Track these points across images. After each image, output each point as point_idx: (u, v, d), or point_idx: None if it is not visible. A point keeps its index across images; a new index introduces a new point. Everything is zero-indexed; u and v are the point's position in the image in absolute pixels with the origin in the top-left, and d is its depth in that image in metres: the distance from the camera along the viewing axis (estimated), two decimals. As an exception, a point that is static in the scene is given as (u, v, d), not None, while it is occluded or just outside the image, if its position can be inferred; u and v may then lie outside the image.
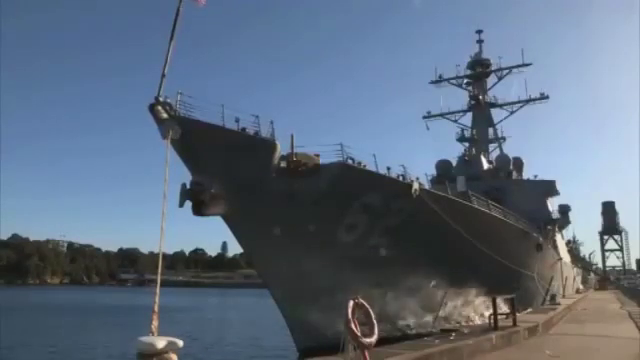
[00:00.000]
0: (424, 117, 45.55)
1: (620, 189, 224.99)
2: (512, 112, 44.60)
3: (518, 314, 15.19)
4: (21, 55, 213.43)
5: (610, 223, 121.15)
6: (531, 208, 30.91)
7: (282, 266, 13.79)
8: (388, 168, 15.08)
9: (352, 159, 14.01)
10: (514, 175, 38.70)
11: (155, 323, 5.93)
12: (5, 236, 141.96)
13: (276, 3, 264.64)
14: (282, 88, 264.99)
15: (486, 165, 38.74)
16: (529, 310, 22.09)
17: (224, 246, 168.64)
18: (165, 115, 10.92)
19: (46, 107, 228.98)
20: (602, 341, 12.99)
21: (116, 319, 32.51)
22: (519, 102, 44.24)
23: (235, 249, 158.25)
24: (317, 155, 13.53)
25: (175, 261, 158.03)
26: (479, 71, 44.58)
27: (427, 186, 20.51)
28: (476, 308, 21.45)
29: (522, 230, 24.43)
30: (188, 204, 12.20)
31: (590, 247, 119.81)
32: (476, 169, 36.49)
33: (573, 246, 70.72)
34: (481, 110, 43.00)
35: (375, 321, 7.07)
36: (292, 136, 13.38)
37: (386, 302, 15.99)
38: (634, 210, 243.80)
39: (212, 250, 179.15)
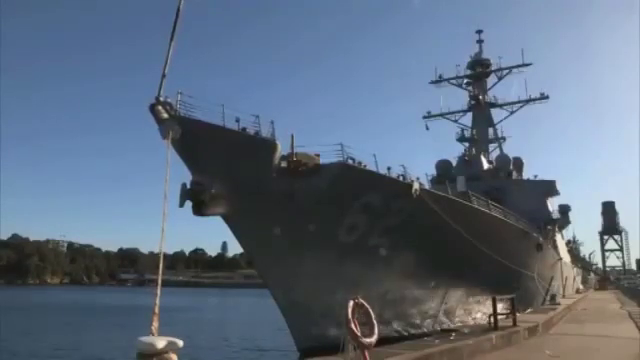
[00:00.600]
0: (424, 117, 45.58)
1: (620, 189, 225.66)
2: (512, 112, 44.69)
3: (518, 314, 15.20)
4: (21, 55, 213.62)
5: (610, 223, 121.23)
6: (531, 208, 30.93)
7: (282, 266, 13.78)
8: (389, 168, 15.10)
9: (352, 159, 14.00)
10: (514, 175, 38.72)
11: (155, 324, 5.88)
12: (5, 236, 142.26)
13: (276, 3, 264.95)
14: (282, 88, 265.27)
15: (486, 165, 38.75)
16: (529, 310, 22.13)
17: (224, 246, 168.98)
18: (165, 115, 10.90)
19: (46, 107, 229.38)
20: (602, 341, 13.00)
21: (116, 319, 32.49)
22: (519, 102, 44.29)
23: (235, 249, 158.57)
24: (317, 155, 13.52)
25: (175, 261, 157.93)
26: (479, 71, 44.59)
27: (427, 186, 20.52)
28: (476, 308, 21.46)
29: (522, 230, 24.43)
30: (188, 204, 12.19)
31: (590, 247, 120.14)
32: (476, 169, 36.51)
33: (573, 246, 70.73)
34: (481, 110, 43.01)
35: (375, 321, 7.07)
36: (292, 136, 13.38)
37: (386, 302, 15.99)
38: (634, 210, 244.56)
39: (212, 250, 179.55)
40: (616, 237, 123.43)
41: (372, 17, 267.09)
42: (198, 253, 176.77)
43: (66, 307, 45.17)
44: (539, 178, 37.44)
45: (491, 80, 45.37)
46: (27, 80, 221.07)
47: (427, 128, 45.18)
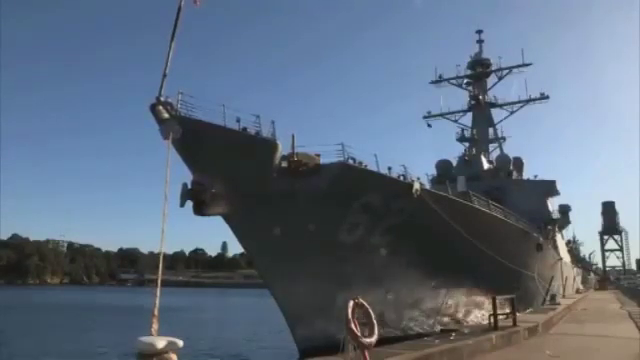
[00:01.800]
0: (424, 117, 45.67)
1: (620, 189, 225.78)
2: (512, 112, 44.72)
3: (518, 314, 15.20)
4: (21, 55, 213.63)
5: (610, 223, 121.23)
6: (531, 208, 30.93)
7: (282, 266, 13.77)
8: (389, 168, 15.09)
9: (353, 159, 13.99)
10: (514, 175, 38.73)
11: (155, 326, 5.87)
12: (5, 236, 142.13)
13: (276, 3, 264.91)
14: (282, 88, 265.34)
15: (486, 165, 38.75)
16: (529, 310, 22.11)
17: (224, 246, 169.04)
18: (166, 115, 10.90)
19: (46, 107, 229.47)
20: (602, 341, 13.00)
21: (116, 319, 32.50)
22: (519, 102, 44.31)
23: (235, 249, 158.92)
24: (318, 155, 13.50)
25: (175, 261, 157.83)
26: (479, 71, 44.61)
27: (427, 186, 20.50)
28: (476, 308, 21.44)
29: (522, 230, 24.41)
30: (189, 204, 12.19)
31: (590, 247, 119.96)
32: (476, 169, 36.52)
33: (573, 246, 70.66)
34: (481, 110, 43.02)
35: (375, 321, 7.07)
36: (293, 136, 13.37)
37: (386, 302, 15.98)
38: (634, 210, 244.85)
39: (212, 250, 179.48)
40: (616, 237, 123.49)
41: (372, 17, 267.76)
42: (198, 253, 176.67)
43: (66, 307, 45.12)
44: (539, 178, 37.46)
45: (491, 80, 45.47)
46: (27, 80, 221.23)
47: (429, 125, 45.39)
